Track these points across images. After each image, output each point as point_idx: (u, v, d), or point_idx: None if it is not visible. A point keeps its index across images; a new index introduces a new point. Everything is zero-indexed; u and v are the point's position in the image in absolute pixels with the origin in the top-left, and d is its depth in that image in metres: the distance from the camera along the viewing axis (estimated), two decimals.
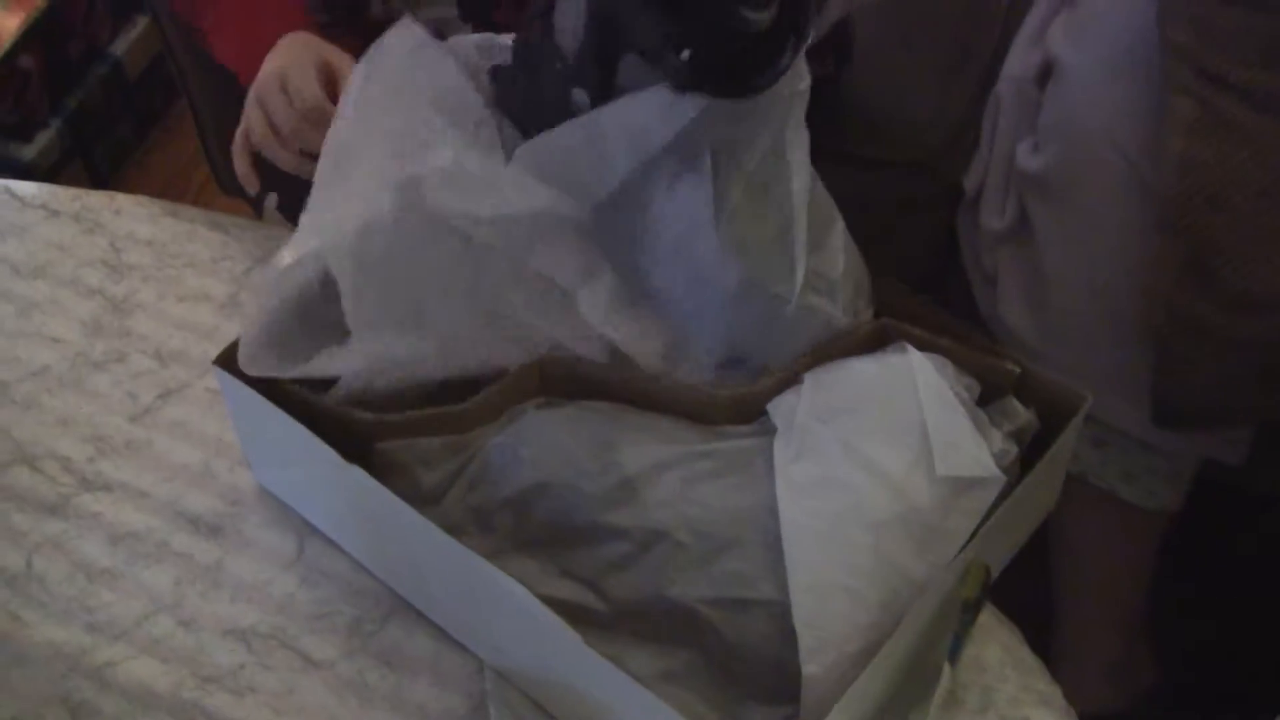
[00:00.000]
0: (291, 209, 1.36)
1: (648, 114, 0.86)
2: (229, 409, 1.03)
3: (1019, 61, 1.37)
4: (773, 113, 0.89)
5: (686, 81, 0.84)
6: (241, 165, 1.20)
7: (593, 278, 0.94)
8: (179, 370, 1.15)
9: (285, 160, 1.18)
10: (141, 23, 2.33)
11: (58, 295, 1.22)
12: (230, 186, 1.71)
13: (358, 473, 0.91)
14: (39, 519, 1.06)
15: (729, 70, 0.84)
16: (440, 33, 1.17)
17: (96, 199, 1.31)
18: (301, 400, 0.97)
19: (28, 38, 2.10)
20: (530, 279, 0.93)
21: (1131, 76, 1.22)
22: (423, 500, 0.94)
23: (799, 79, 0.89)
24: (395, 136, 0.95)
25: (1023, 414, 0.95)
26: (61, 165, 2.21)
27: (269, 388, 0.96)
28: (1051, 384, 0.97)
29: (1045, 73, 1.34)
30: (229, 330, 1.16)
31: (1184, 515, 1.41)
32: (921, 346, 0.96)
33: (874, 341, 0.99)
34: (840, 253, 0.96)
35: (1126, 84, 1.23)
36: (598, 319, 0.94)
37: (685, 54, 0.83)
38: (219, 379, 0.98)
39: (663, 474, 0.91)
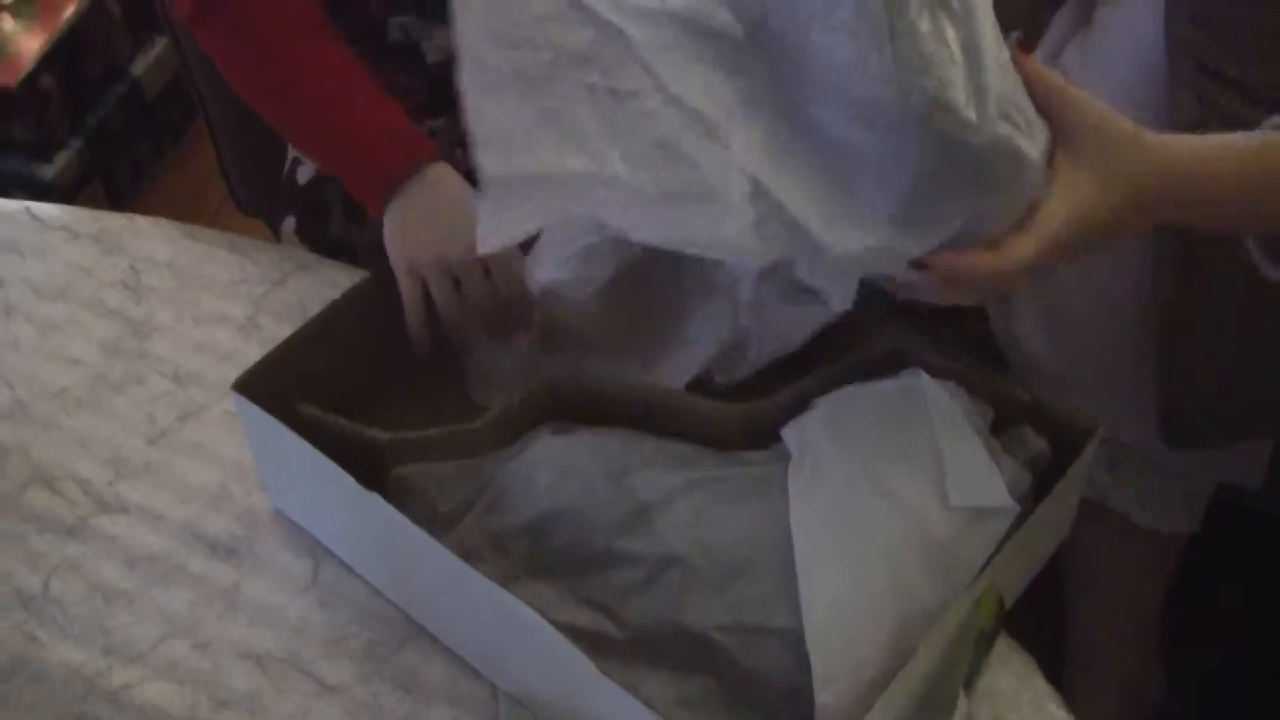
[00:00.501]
0: (309, 233, 1.37)
1: None
2: (246, 433, 1.04)
3: None
4: None
5: None
6: (422, 333, 1.10)
7: (747, 115, 0.82)
8: (197, 392, 1.16)
9: (472, 341, 1.11)
10: (160, 43, 2.35)
11: (78, 316, 1.23)
12: (246, 205, 1.72)
13: (374, 498, 0.92)
14: (57, 541, 1.06)
15: None
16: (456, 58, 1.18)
17: (117, 221, 1.32)
18: (318, 423, 0.98)
19: (48, 59, 2.11)
20: (674, 98, 0.82)
21: (1145, 98, 1.22)
22: (439, 524, 0.95)
23: None
24: None
25: (1036, 443, 0.95)
26: (81, 184, 2.22)
27: (286, 412, 0.97)
28: (1064, 411, 0.97)
29: None
30: (247, 352, 1.17)
31: (1199, 535, 1.41)
32: (935, 372, 0.97)
33: (887, 365, 0.99)
34: (1018, 81, 0.84)
35: (1140, 107, 1.23)
36: (753, 164, 0.82)
37: None
38: (237, 404, 0.99)
39: (677, 500, 0.92)
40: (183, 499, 1.09)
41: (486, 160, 0.87)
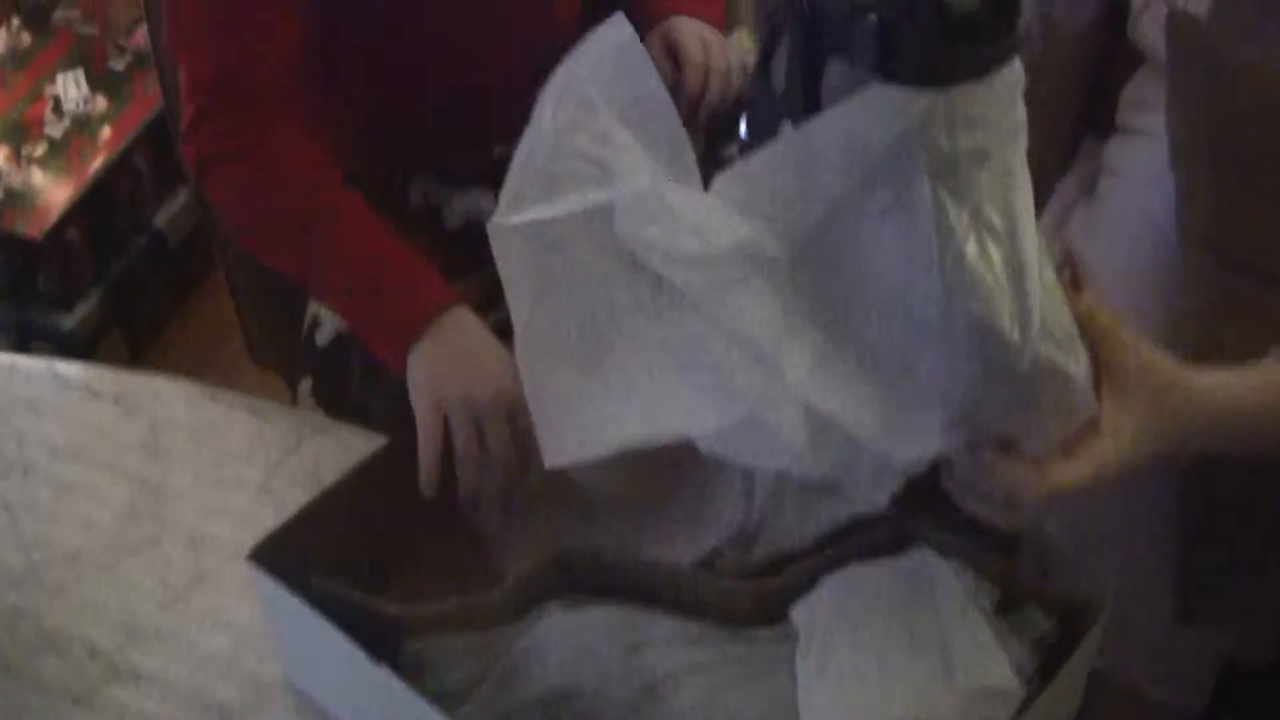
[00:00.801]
0: (326, 396, 1.39)
1: (856, 119, 0.78)
2: (260, 602, 1.05)
3: None
4: (999, 127, 0.79)
5: (874, 56, 0.76)
6: (433, 473, 1.10)
7: (797, 336, 0.84)
8: (211, 558, 1.17)
9: (487, 490, 1.11)
10: (184, 193, 2.39)
11: (94, 478, 1.25)
12: (261, 357, 1.75)
13: (386, 673, 0.92)
14: (65, 709, 1.07)
15: (923, 48, 0.75)
16: (477, 222, 1.21)
17: (137, 383, 1.33)
18: (331, 595, 0.98)
19: (75, 210, 2.16)
20: (727, 334, 0.84)
21: (1152, 273, 1.24)
22: (450, 699, 0.95)
23: (1016, 103, 0.79)
24: (586, 158, 0.89)
25: (1042, 624, 0.96)
26: (100, 333, 2.25)
27: (300, 582, 0.98)
28: (1071, 589, 0.98)
29: (1065, 269, 1.36)
30: (263, 517, 1.18)
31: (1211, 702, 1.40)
32: (941, 550, 0.98)
33: (894, 540, 1.00)
34: (1063, 300, 0.86)
35: (1146, 279, 1.25)
36: (804, 387, 0.84)
37: (871, 18, 0.75)
38: (251, 574, 1.00)
39: (687, 680, 0.92)
40: (194, 666, 1.09)
41: (547, 439, 0.92)
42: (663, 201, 0.84)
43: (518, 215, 0.91)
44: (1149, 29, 1.47)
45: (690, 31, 1.38)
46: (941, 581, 0.95)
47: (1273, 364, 0.93)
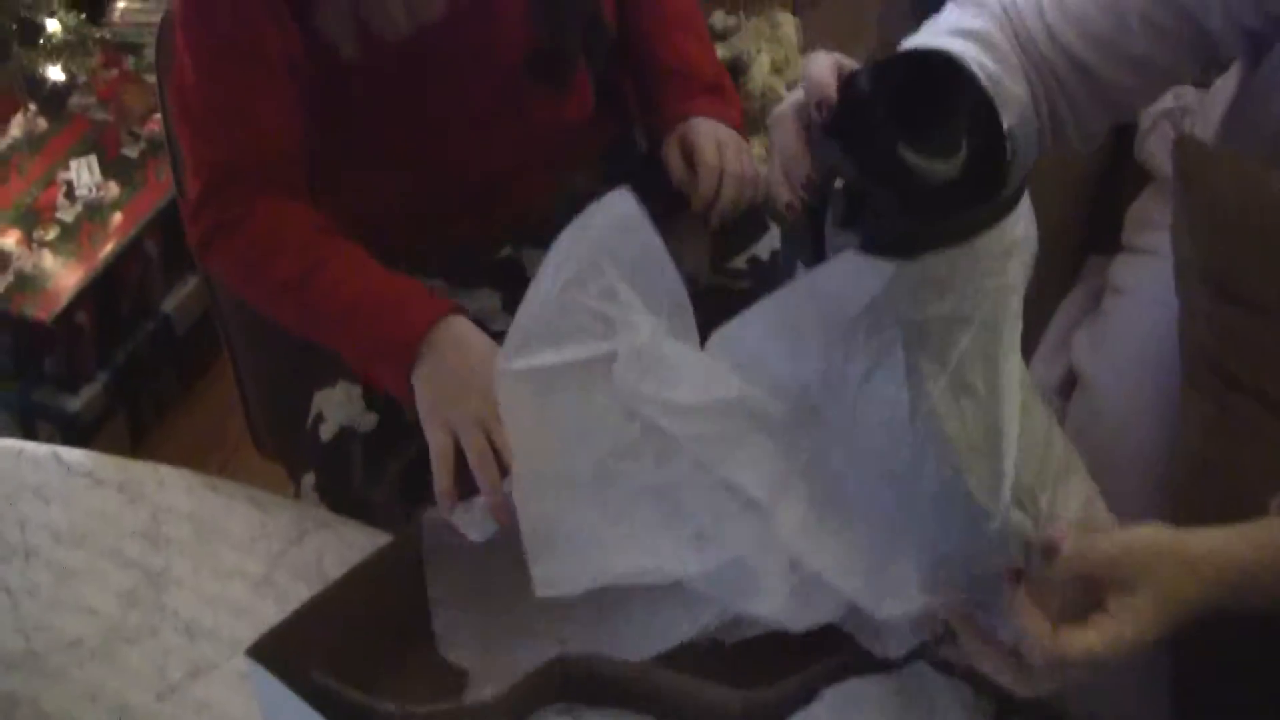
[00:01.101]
0: (328, 490, 1.39)
1: (834, 285, 0.79)
2: (258, 698, 1.05)
3: (1041, 374, 1.41)
4: (980, 291, 0.80)
5: (844, 221, 0.77)
6: (447, 483, 1.11)
7: (786, 491, 0.86)
8: (209, 648, 1.17)
9: (501, 500, 1.08)
10: (192, 280, 2.41)
11: (96, 565, 1.25)
12: (265, 446, 1.75)
13: None
14: None
15: (894, 220, 0.76)
16: (481, 324, 1.22)
17: (141, 470, 1.34)
18: (330, 693, 0.98)
19: (84, 295, 2.17)
20: (717, 481, 0.87)
21: (1156, 392, 1.25)
22: None
23: (1006, 269, 0.80)
24: (590, 311, 0.93)
25: None
26: (105, 417, 2.26)
27: (299, 679, 0.98)
28: (1067, 706, 0.98)
29: (1068, 384, 1.37)
30: (262, 609, 1.18)
31: None
32: (938, 666, 0.97)
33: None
34: (1075, 500, 0.88)
35: (1150, 399, 1.26)
36: (792, 542, 0.86)
37: (838, 183, 0.77)
38: (250, 670, 1.00)
39: None
40: None
41: (539, 571, 0.94)
42: (662, 356, 0.88)
43: (523, 361, 0.96)
44: (1155, 148, 1.49)
45: (706, 133, 1.39)
46: (940, 698, 0.95)
47: (1273, 519, 0.94)
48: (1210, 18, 1.14)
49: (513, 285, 1.40)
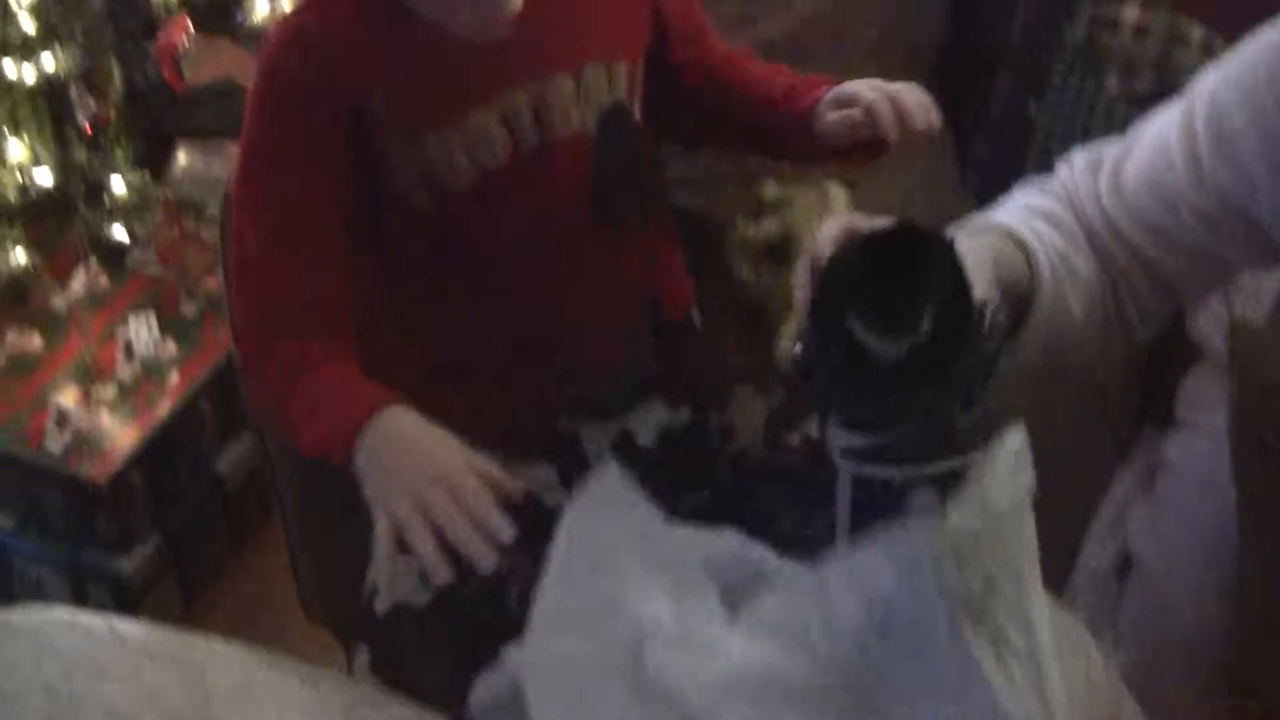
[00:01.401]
0: (382, 668, 1.39)
1: (869, 572, 0.80)
2: None
3: (1095, 554, 1.40)
4: (1001, 554, 0.80)
5: (797, 382, 0.79)
6: (432, 551, 1.13)
7: None
8: None
9: (478, 545, 1.11)
10: (246, 438, 2.42)
11: None
12: (315, 614, 1.75)
13: None
14: None
15: (843, 390, 0.78)
16: (538, 501, 1.22)
17: (198, 647, 1.33)
18: None
19: (139, 456, 2.19)
20: None
21: (1212, 579, 1.24)
22: None
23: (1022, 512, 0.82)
24: (608, 601, 0.93)
25: None
26: (156, 578, 2.26)
27: None
28: None
29: (1123, 564, 1.36)
30: None
31: None
32: None
33: None
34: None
35: (1207, 584, 1.25)
36: None
37: (796, 348, 0.80)
38: None
39: None
40: None
41: None
42: (689, 632, 0.88)
43: (543, 652, 0.96)
44: (1206, 325, 1.49)
45: (848, 84, 1.29)
46: None
47: None
48: (1256, 207, 1.14)
49: (570, 460, 1.40)
